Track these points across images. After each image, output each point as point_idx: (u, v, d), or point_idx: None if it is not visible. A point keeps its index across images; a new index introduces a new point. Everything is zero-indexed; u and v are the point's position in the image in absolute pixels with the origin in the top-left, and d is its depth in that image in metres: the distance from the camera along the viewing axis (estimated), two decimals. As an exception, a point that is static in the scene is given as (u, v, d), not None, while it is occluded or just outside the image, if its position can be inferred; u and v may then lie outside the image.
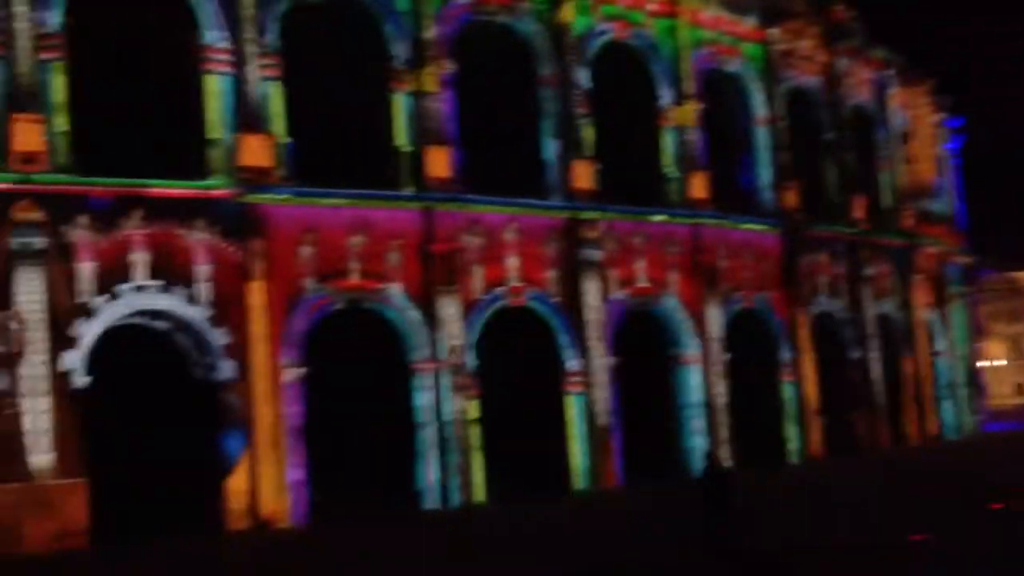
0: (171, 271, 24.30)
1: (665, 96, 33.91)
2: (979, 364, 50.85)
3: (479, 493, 27.98)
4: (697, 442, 32.54)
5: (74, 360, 23.13)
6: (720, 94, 36.25)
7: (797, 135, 37.88)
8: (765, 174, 36.93)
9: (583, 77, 31.69)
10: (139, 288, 23.95)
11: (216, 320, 24.76)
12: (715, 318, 33.79)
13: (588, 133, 31.51)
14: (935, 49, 49.03)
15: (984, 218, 51.68)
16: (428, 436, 27.67)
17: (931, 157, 47.46)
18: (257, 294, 25.27)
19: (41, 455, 22.48)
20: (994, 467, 30.57)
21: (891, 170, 43.24)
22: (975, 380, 48.82)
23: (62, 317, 23.04)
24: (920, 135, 46.67)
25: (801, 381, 36.42)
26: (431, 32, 28.67)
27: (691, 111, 33.97)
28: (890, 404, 40.33)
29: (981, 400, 50.17)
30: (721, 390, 33.51)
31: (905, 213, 43.27)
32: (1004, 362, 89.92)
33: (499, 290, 29.37)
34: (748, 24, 36.77)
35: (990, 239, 52.25)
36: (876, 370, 39.67)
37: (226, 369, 24.86)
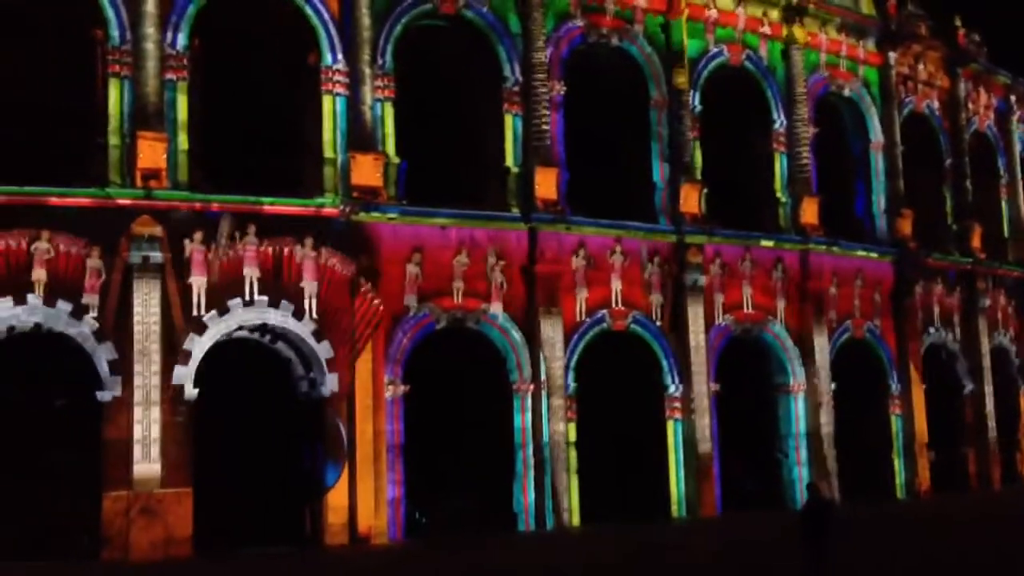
0: (280, 287, 24.77)
1: (778, 120, 33.35)
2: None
3: (574, 517, 27.87)
4: (800, 473, 31.89)
5: (185, 372, 23.75)
6: (835, 118, 35.52)
7: (914, 161, 36.88)
8: (879, 200, 36.03)
9: (694, 100, 31.37)
10: (249, 303, 24.47)
11: (321, 336, 25.14)
12: (822, 347, 33.03)
13: (697, 156, 31.17)
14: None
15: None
16: (526, 457, 27.67)
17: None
18: (362, 312, 25.56)
19: (150, 464, 23.12)
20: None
21: (1010, 199, 41.76)
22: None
23: (176, 330, 23.68)
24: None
25: (910, 414, 35.37)
26: (543, 54, 28.71)
27: (805, 134, 33.32)
28: (1003, 440, 38.92)
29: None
30: (827, 420, 32.76)
31: (1024, 243, 41.74)
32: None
33: (602, 313, 29.22)
34: (866, 47, 35.95)
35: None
36: (989, 404, 38.32)
37: (330, 384, 25.22)
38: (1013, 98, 42.00)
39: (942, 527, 26.99)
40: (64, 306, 22.93)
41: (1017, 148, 42.37)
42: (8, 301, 22.59)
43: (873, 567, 19.03)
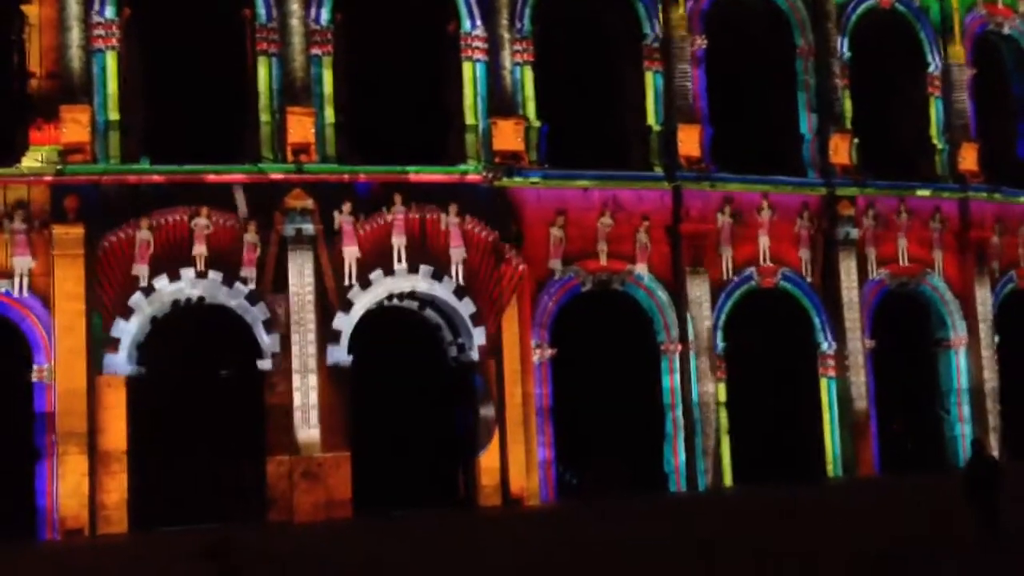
0: (427, 254, 25.15)
1: (933, 62, 31.88)
2: None
3: (727, 477, 27.61)
4: (962, 431, 30.78)
5: (339, 341, 24.41)
6: (994, 58, 33.72)
7: (1081, 100, 34.75)
8: (1043, 143, 34.14)
9: (842, 46, 30.25)
10: (398, 271, 24.95)
11: (469, 302, 25.42)
12: (984, 299, 31.61)
13: (847, 105, 30.12)
14: None
15: None
16: (676, 418, 27.51)
17: None
18: (508, 277, 25.76)
19: (310, 429, 23.94)
20: None
21: None
22: None
23: (329, 299, 24.35)
24: None
25: (1082, 367, 33.63)
26: (683, 8, 28.12)
27: (962, 76, 31.77)
28: None
29: None
30: (990, 376, 31.44)
31: None
32: None
33: (750, 270, 28.67)
34: (1028, -19, 33.94)
35: None
36: None
37: (478, 349, 25.52)
38: None
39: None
40: (225, 279, 23.87)
41: None
42: (172, 276, 23.61)
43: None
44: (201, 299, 24.26)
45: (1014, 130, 34.38)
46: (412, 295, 25.57)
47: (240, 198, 23.75)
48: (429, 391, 25.60)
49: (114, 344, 23.25)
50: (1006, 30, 33.73)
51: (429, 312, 25.92)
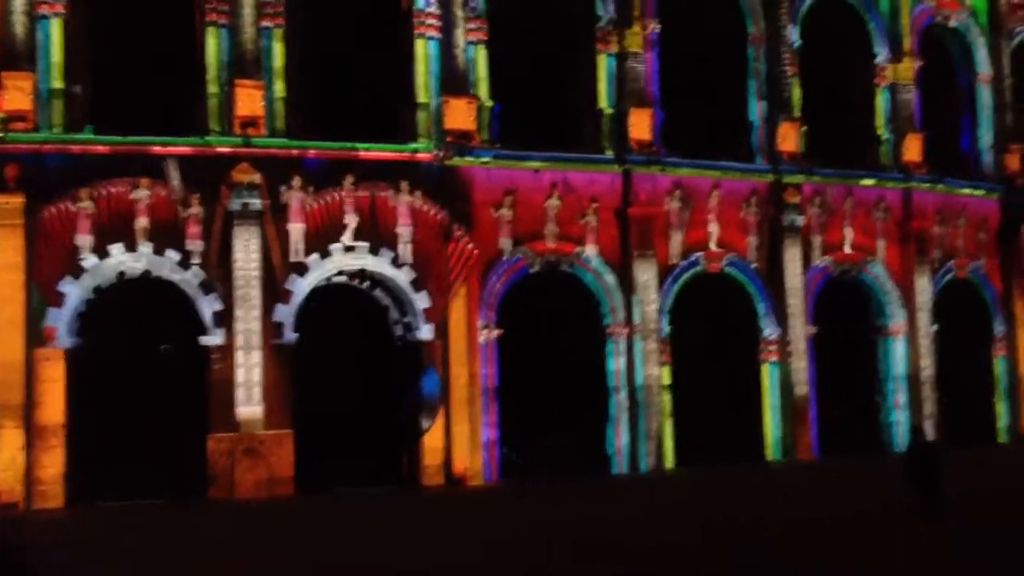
0: (376, 232, 25.00)
1: (881, 53, 32.24)
2: None
3: (669, 459, 27.90)
4: (899, 417, 31.38)
5: (284, 316, 24.21)
6: (941, 50, 34.18)
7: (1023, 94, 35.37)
8: (986, 136, 34.69)
9: (793, 35, 30.48)
10: (346, 248, 24.78)
11: (416, 280, 25.35)
12: (924, 288, 32.21)
13: (796, 93, 30.38)
14: None
15: None
16: (620, 400, 27.71)
17: None
18: (456, 256, 25.69)
19: (252, 406, 23.74)
20: None
21: None
22: None
23: (275, 275, 24.11)
24: None
25: (1015, 356, 34.41)
26: (637, -8, 28.15)
27: (909, 68, 32.18)
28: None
29: None
30: (927, 363, 32.05)
31: None
32: None
33: (697, 255, 28.89)
34: (975, -25, 34.42)
35: None
36: (1099, 347, 37.02)
37: (425, 329, 25.47)
38: None
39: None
40: (168, 253, 23.52)
41: None
42: (115, 248, 23.21)
43: (981, 509, 18.73)
44: (145, 272, 23.89)
45: (959, 122, 34.95)
46: (360, 273, 25.40)
47: (172, 171, 23.24)
48: (375, 370, 25.49)
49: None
50: (952, 23, 34.20)
51: (376, 291, 25.78)
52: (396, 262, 25.15)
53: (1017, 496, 20.23)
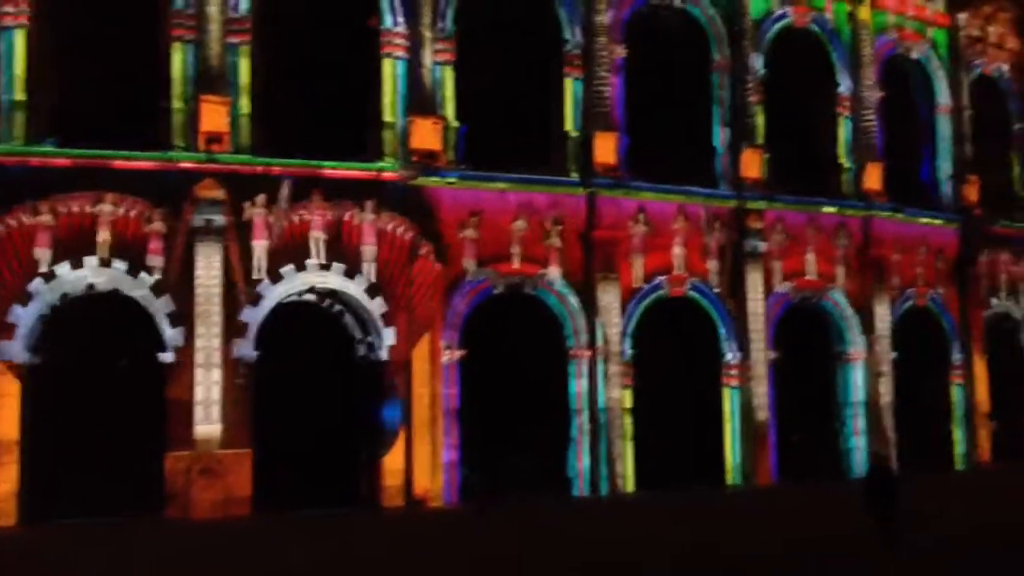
0: (341, 251, 24.89)
1: (843, 83, 32.69)
2: None
3: (629, 482, 27.90)
4: (858, 442, 31.63)
5: (245, 335, 23.99)
6: (902, 81, 34.72)
7: (982, 126, 35.95)
8: (945, 166, 35.24)
9: (757, 63, 30.83)
10: (310, 267, 24.64)
11: (381, 300, 25.23)
12: (884, 315, 32.56)
13: (760, 120, 30.70)
14: None
15: None
16: (581, 423, 27.70)
17: None
18: (421, 276, 25.62)
19: (211, 425, 23.47)
20: None
21: (1082, 164, 40.63)
22: None
23: (237, 293, 23.92)
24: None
25: (971, 383, 34.83)
26: (605, 16, 28.33)
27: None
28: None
29: None
30: (886, 390, 32.37)
31: (1095, 210, 40.64)
32: None
33: (660, 279, 29.02)
34: (935, 8, 35.03)
35: None
36: (1052, 375, 37.59)
37: (387, 348, 25.34)
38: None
39: (1000, 495, 26.64)
40: (129, 269, 23.28)
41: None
42: (74, 263, 22.94)
43: (938, 533, 18.90)
44: (105, 287, 23.59)
45: (918, 152, 35.46)
46: (324, 292, 25.25)
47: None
48: (336, 389, 25.31)
49: (9, 331, 22.51)
50: (913, 55, 34.76)
51: (340, 309, 25.64)
52: (359, 280, 25.04)
53: (974, 522, 20.45)
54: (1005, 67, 37.40)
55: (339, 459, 25.13)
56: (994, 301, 35.93)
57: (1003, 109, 37.55)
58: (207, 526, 22.36)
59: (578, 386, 27.77)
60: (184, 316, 23.58)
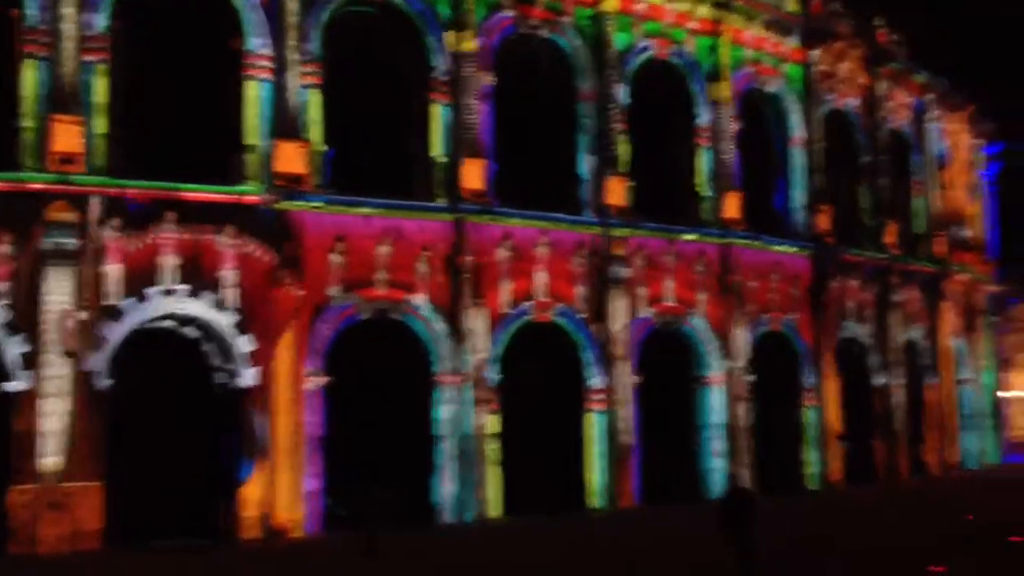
0: (200, 276, 24.24)
1: (703, 115, 33.60)
2: (1002, 394, 50.31)
3: (495, 508, 27.89)
4: (716, 464, 32.37)
5: (98, 362, 23.11)
6: (758, 114, 35.90)
7: (833, 158, 37.50)
8: (799, 196, 36.55)
9: (621, 93, 31.42)
10: (168, 292, 23.93)
11: (241, 327, 24.67)
12: (741, 340, 33.52)
13: (624, 149, 31.27)
14: (978, 74, 48.19)
15: (1018, 247, 50.75)
16: (447, 449, 27.58)
17: (966, 184, 46.85)
18: (284, 302, 25.15)
19: (58, 457, 22.46)
20: (1017, 499, 30.26)
21: (925, 196, 42.78)
22: (998, 410, 48.35)
23: (89, 319, 22.99)
24: (957, 161, 46.07)
25: (823, 406, 36.10)
26: (472, 44, 28.45)
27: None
28: (911, 432, 39.98)
29: (1003, 431, 49.69)
30: (743, 412, 33.27)
31: (937, 240, 42.80)
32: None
33: (526, 304, 29.19)
34: (790, 44, 36.38)
35: (1021, 269, 51.34)
36: (899, 397, 39.30)
37: (249, 376, 24.79)
38: (930, 97, 42.89)
39: (852, 515, 27.62)
40: (-28, 293, 22.16)
41: (932, 146, 43.32)
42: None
43: (795, 554, 19.42)
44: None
45: (773, 182, 36.68)
46: (182, 318, 24.51)
47: None
48: (193, 418, 24.55)
49: None
50: (769, 88, 36.00)
51: (199, 336, 24.92)
52: (219, 306, 24.41)
53: (825, 543, 21.08)
54: (855, 102, 39.08)
55: (196, 490, 24.34)
56: (845, 325, 37.38)
57: (853, 142, 39.22)
58: (53, 562, 21.35)
59: (444, 412, 27.65)
60: (32, 343, 22.52)
